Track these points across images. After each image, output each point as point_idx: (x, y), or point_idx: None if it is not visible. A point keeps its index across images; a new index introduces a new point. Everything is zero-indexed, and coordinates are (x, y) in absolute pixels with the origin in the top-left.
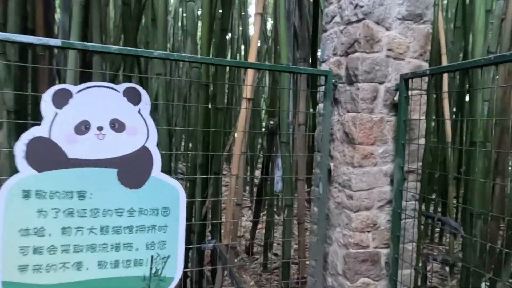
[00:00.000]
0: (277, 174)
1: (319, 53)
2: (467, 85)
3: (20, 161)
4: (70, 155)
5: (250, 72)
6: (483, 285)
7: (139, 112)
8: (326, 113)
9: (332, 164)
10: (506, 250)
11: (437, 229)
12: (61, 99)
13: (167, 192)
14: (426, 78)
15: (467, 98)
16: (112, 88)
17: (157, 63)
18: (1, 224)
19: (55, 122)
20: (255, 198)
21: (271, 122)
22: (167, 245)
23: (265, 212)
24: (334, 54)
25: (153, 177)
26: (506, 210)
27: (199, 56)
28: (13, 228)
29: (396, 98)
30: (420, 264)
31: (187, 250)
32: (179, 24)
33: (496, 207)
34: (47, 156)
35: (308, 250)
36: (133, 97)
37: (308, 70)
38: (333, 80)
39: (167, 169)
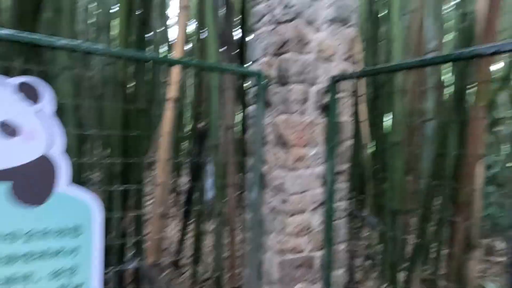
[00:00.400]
0: (208, 181)
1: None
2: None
3: None
4: None
5: (175, 69)
6: (401, 275)
7: (39, 112)
8: (258, 115)
9: (265, 168)
10: (418, 242)
11: (361, 227)
12: None
13: (78, 207)
14: (353, 81)
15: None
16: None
17: (62, 56)
18: None
19: None
20: (183, 208)
21: (201, 125)
22: (79, 271)
23: (194, 221)
24: (264, 55)
25: (59, 191)
26: (418, 205)
27: (115, 49)
28: None
29: (325, 101)
30: (348, 263)
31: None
32: (91, 19)
33: (410, 202)
34: None
35: (241, 259)
36: (31, 95)
37: (239, 69)
38: (264, 81)
39: (78, 180)
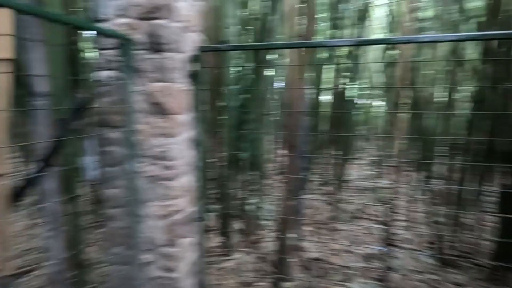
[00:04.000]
0: (90, 159)
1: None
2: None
3: None
4: None
5: (2, 13)
6: None
7: None
8: (128, 83)
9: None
10: None
11: None
12: None
13: None
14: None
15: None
16: None
17: None
18: None
19: None
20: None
21: (79, 95)
22: None
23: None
24: (122, 15)
25: None
26: None
27: None
28: None
29: (194, 69)
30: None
31: None
32: None
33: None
34: None
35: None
36: None
37: (100, 28)
38: (134, 47)
39: None
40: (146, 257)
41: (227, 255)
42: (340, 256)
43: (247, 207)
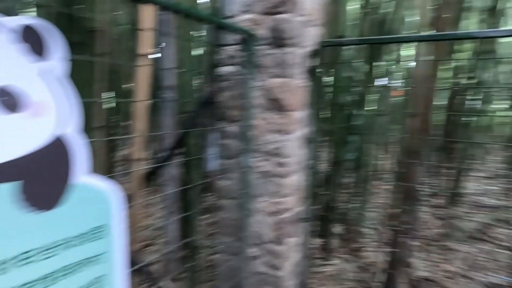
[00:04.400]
0: (211, 150)
1: None
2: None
3: None
4: None
5: (148, 10)
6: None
7: (46, 73)
8: (248, 78)
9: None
10: None
11: None
12: None
13: (97, 202)
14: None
15: None
16: None
17: None
18: None
19: None
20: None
21: (207, 89)
22: (107, 280)
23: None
24: (247, 11)
25: (77, 184)
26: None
27: None
28: None
29: (312, 65)
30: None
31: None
32: None
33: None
34: None
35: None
36: (35, 45)
37: (226, 23)
38: (256, 42)
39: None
40: (253, 250)
41: (326, 259)
42: (456, 281)
43: (349, 212)
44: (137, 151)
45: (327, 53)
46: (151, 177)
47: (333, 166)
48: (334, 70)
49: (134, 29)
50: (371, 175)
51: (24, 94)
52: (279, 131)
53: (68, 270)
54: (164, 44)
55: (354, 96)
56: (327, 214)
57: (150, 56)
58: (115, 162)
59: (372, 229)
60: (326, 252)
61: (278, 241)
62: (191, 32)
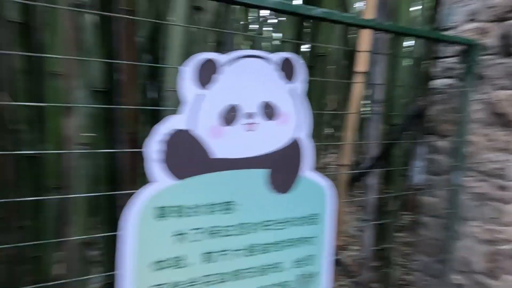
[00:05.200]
0: (417, 163)
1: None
2: None
3: (155, 166)
4: (213, 154)
5: (366, 33)
6: None
7: (291, 92)
8: (467, 91)
9: (470, 150)
10: None
11: None
12: (205, 75)
13: (316, 194)
14: None
15: None
16: (264, 59)
17: None
18: (132, 256)
19: (197, 108)
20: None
21: (418, 102)
22: (315, 259)
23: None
24: (471, 20)
25: (303, 177)
26: None
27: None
28: (143, 261)
29: None
30: None
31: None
32: None
33: None
34: (188, 157)
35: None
36: (288, 72)
37: (445, 36)
38: (479, 52)
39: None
40: (457, 278)
41: None
42: None
43: None
44: (345, 157)
45: None
46: (353, 183)
47: None
48: None
49: (351, 50)
50: None
51: (278, 107)
52: (503, 150)
53: (291, 243)
54: (375, 61)
55: None
56: None
57: (363, 75)
58: (323, 166)
59: None
60: None
61: (492, 274)
62: (402, 46)
